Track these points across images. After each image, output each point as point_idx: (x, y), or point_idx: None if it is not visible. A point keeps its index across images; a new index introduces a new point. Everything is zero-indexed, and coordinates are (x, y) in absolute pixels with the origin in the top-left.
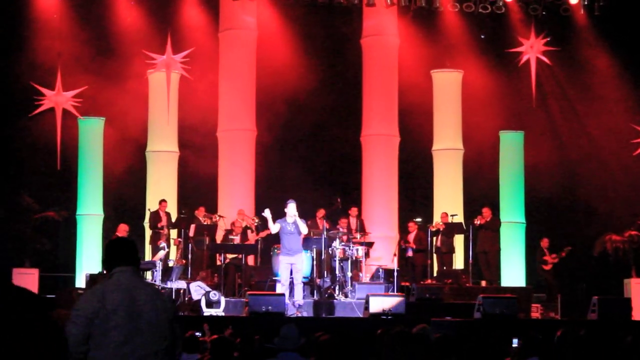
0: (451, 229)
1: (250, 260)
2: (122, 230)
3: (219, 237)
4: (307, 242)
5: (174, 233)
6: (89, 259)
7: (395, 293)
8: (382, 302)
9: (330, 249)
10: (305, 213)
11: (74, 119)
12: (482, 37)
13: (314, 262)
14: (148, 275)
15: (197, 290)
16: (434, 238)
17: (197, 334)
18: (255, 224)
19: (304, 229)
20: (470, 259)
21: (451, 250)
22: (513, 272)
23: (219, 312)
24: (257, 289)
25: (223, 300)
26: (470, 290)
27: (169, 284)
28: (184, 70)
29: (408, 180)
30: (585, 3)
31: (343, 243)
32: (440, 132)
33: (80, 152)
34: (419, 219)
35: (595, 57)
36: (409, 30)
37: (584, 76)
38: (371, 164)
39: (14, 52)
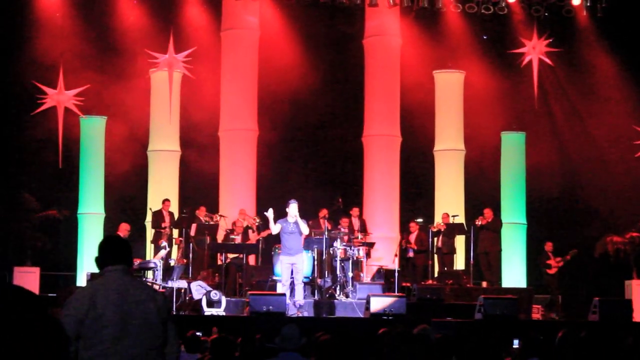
0: (452, 229)
1: (251, 260)
2: (123, 229)
3: (220, 237)
4: (308, 242)
5: (175, 232)
6: (90, 258)
7: (395, 293)
8: (383, 303)
9: (331, 249)
10: (306, 213)
11: (76, 117)
12: (485, 37)
13: (315, 262)
14: (149, 275)
15: (198, 289)
16: (435, 238)
17: (198, 333)
18: (257, 223)
19: (305, 230)
20: (471, 259)
21: (452, 250)
22: (514, 273)
23: (220, 311)
24: (258, 289)
25: (224, 299)
26: (471, 291)
27: (170, 284)
28: (186, 69)
29: (409, 180)
30: (588, 4)
31: (344, 243)
32: (442, 133)
33: (81, 150)
34: (420, 220)
35: (597, 58)
36: (411, 30)
37: (586, 77)
38: (373, 164)
39: (16, 50)
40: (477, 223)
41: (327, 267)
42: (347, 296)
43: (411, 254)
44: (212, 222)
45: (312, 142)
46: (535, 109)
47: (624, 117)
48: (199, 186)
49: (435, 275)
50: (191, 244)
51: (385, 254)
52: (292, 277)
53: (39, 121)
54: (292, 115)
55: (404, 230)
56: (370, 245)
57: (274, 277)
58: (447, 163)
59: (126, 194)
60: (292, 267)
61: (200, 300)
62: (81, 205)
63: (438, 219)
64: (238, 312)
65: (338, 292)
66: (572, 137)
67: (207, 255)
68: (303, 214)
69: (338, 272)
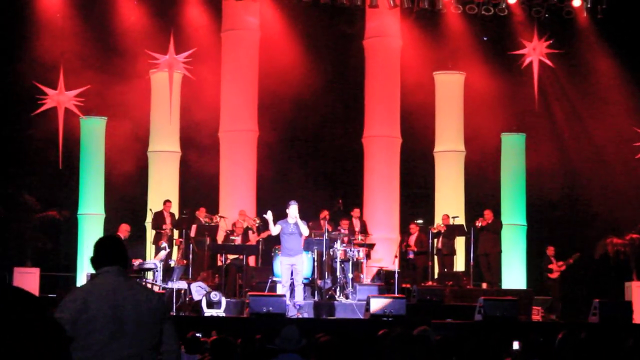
0: (452, 230)
1: (251, 261)
2: (124, 230)
3: (220, 238)
4: (308, 243)
5: (175, 233)
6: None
7: (395, 294)
8: (383, 304)
9: (331, 250)
10: (307, 214)
11: (76, 118)
12: (485, 39)
13: (315, 264)
14: (149, 275)
15: (198, 290)
16: (435, 240)
17: (198, 334)
18: (257, 224)
19: (304, 231)
20: (471, 261)
21: (452, 252)
22: (514, 275)
23: (219, 312)
24: (258, 290)
25: (224, 300)
26: (471, 293)
27: (170, 284)
28: (186, 70)
29: (410, 182)
30: (588, 6)
31: (344, 244)
32: (442, 134)
33: (82, 151)
34: (420, 221)
35: (597, 59)
36: (412, 32)
37: (586, 79)
38: (373, 166)
39: (16, 51)
40: (477, 224)
41: (327, 268)
42: (347, 297)
43: (411, 256)
44: (212, 223)
45: (312, 143)
46: (535, 110)
47: (624, 119)
48: (198, 187)
49: (435, 276)
50: (191, 245)
51: (385, 255)
52: (292, 278)
53: (39, 122)
54: (292, 116)
55: (404, 231)
56: (370, 246)
57: (274, 278)
58: (447, 164)
59: (126, 195)
60: (292, 268)
61: (200, 301)
62: (81, 206)
63: (438, 220)
64: (238, 313)
65: (338, 293)
66: (572, 139)
67: (207, 256)
68: (303, 215)
69: (338, 274)
